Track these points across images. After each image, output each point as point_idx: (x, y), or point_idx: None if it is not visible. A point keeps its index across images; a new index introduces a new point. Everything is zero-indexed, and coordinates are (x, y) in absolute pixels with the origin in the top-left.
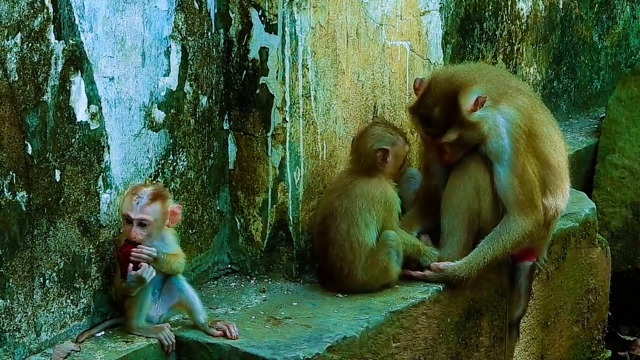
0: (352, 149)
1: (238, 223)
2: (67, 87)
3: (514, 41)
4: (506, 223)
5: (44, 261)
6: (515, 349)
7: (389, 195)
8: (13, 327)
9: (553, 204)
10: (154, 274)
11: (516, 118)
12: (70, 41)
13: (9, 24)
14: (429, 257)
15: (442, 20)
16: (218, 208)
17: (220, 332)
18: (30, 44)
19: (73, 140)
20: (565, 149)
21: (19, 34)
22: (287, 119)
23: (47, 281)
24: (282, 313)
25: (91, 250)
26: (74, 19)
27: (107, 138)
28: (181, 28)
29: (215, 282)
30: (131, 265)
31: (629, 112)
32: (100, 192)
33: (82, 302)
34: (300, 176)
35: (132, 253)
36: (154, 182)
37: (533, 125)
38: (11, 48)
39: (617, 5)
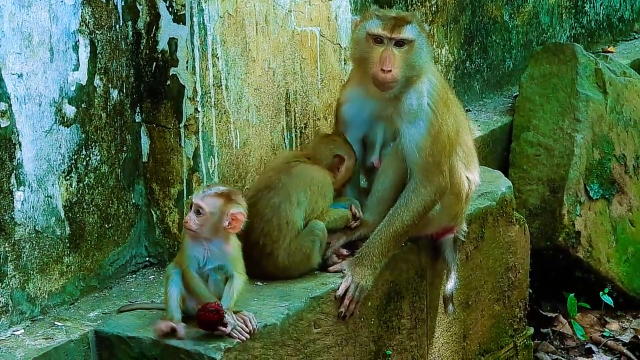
0: (312, 145)
1: (154, 215)
2: None
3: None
4: (407, 194)
5: None
6: (437, 329)
7: (328, 182)
8: None
9: (472, 178)
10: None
11: (438, 83)
12: None
13: None
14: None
15: (351, 4)
16: (134, 201)
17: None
18: None
19: None
20: (472, 133)
21: None
22: (199, 109)
23: None
24: None
25: (7, 249)
26: None
27: (18, 135)
28: (89, 22)
29: (134, 276)
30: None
31: (542, 89)
32: (13, 189)
33: (0, 301)
34: (215, 166)
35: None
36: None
37: (449, 97)
38: None
39: None
